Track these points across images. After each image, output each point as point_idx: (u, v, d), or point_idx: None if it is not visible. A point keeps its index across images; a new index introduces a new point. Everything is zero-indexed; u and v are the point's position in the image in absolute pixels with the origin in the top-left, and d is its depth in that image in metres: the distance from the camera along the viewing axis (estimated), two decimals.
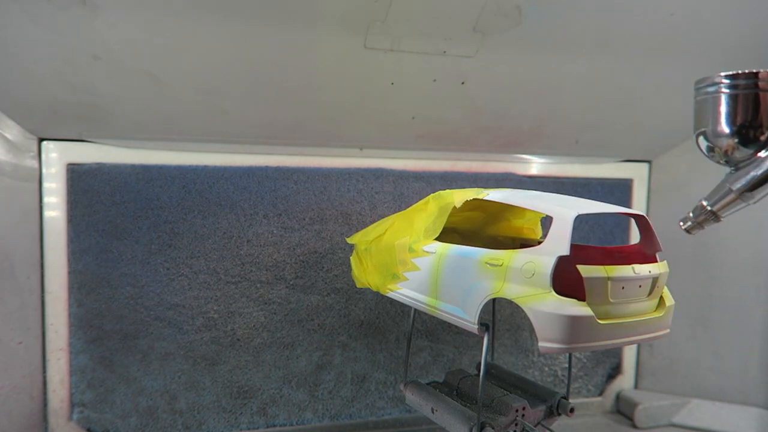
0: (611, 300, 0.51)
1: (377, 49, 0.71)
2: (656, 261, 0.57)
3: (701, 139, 0.32)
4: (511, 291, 0.53)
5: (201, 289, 0.86)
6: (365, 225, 0.92)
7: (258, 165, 0.88)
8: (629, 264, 0.52)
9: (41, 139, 0.80)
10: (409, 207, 0.73)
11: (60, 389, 0.82)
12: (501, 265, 0.54)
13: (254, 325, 0.89)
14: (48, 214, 0.80)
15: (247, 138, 0.85)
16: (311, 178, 0.90)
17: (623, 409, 1.06)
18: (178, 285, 0.85)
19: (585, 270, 0.50)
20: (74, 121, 0.76)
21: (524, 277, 0.52)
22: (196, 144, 0.85)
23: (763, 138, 0.29)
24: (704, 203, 0.33)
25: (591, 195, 1.04)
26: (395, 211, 0.91)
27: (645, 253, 0.60)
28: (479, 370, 0.76)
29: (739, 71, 0.30)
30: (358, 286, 0.77)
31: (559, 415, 0.68)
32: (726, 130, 0.30)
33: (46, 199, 0.80)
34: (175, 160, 0.85)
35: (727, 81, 0.30)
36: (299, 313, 0.90)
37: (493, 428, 0.59)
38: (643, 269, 0.53)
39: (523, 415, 0.63)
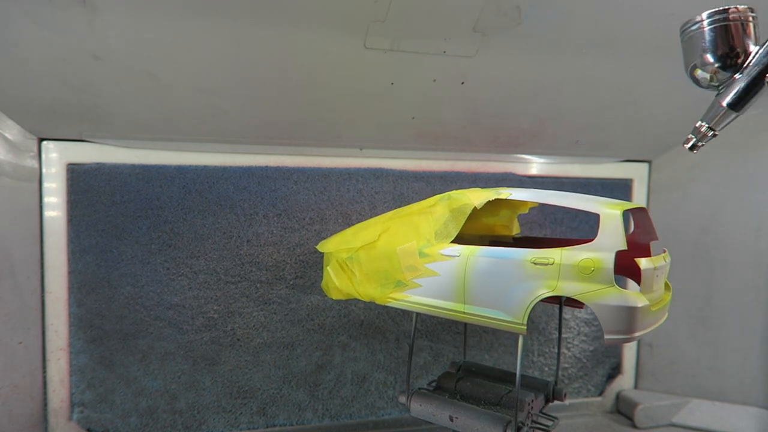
0: (654, 288, 0.56)
1: (377, 49, 0.71)
2: (650, 250, 0.63)
3: (694, 71, 0.40)
4: (569, 288, 0.54)
5: (201, 289, 0.86)
6: None
7: (258, 165, 0.88)
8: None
9: (41, 139, 0.80)
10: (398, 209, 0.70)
11: (60, 389, 0.82)
12: (552, 264, 0.55)
13: (254, 325, 0.89)
14: (48, 214, 0.80)
15: (247, 138, 0.85)
16: (311, 178, 0.90)
17: (623, 409, 1.06)
18: (178, 285, 0.85)
19: (641, 262, 0.54)
20: (74, 121, 0.76)
21: (583, 274, 0.53)
22: (196, 144, 0.85)
23: (739, 61, 0.38)
24: (701, 123, 0.42)
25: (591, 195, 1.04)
26: None
27: (639, 243, 0.64)
28: (458, 370, 0.75)
29: (714, 9, 0.38)
30: (334, 298, 0.72)
31: (553, 401, 0.70)
32: (711, 59, 0.38)
33: (46, 199, 0.80)
34: (175, 160, 0.85)
35: (707, 18, 0.38)
36: (299, 313, 0.90)
37: (525, 426, 0.60)
38: (667, 258, 0.60)
39: (532, 407, 0.65)
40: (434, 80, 0.78)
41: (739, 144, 0.98)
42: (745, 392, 0.99)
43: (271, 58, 0.71)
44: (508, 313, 0.58)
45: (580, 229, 1.03)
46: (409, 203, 0.87)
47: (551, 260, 0.55)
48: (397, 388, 0.96)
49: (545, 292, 0.55)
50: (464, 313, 0.60)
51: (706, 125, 0.42)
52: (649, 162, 1.07)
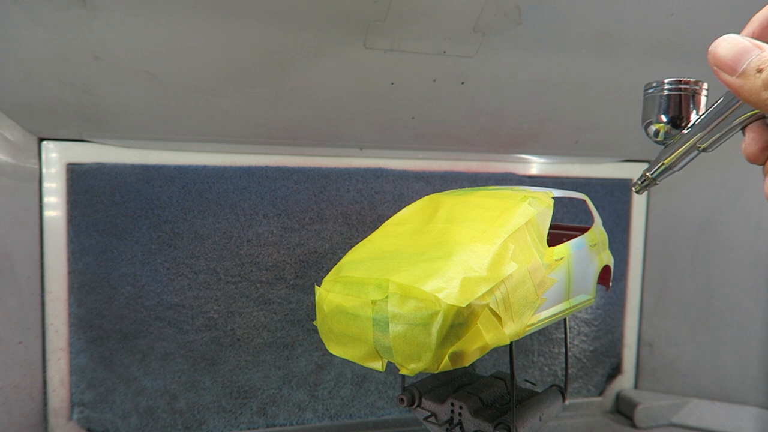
0: None
1: (377, 49, 0.71)
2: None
3: (648, 126, 0.47)
4: (606, 258, 0.73)
5: (201, 289, 0.86)
6: (365, 225, 0.93)
7: (258, 165, 0.88)
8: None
9: (41, 139, 0.80)
10: (452, 213, 0.61)
11: (60, 389, 0.82)
12: (596, 244, 0.70)
13: (254, 325, 0.89)
14: (48, 214, 0.80)
15: (247, 138, 0.85)
16: (311, 178, 0.90)
17: (623, 409, 1.06)
18: (178, 285, 0.85)
19: None
20: (74, 121, 0.76)
21: (604, 246, 0.73)
22: (196, 144, 0.85)
23: (684, 124, 0.45)
24: (646, 172, 0.49)
25: (591, 195, 1.04)
26: (395, 211, 0.91)
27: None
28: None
29: (673, 78, 0.45)
30: (476, 359, 0.50)
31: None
32: (664, 119, 0.46)
33: (46, 199, 0.80)
34: (175, 160, 0.85)
35: (666, 84, 0.45)
36: (299, 313, 0.90)
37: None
38: None
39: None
40: (434, 80, 0.78)
41: (739, 144, 0.98)
42: (745, 392, 0.99)
43: (271, 58, 0.71)
44: (587, 293, 0.67)
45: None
46: (408, 203, 0.86)
47: (595, 241, 0.70)
48: (397, 387, 0.96)
49: (600, 267, 0.69)
50: (569, 308, 0.62)
51: (650, 175, 0.49)
52: (649, 162, 1.07)
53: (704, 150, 0.43)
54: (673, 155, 0.45)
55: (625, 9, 0.71)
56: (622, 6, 0.71)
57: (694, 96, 0.44)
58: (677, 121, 0.45)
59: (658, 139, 0.47)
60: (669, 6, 0.72)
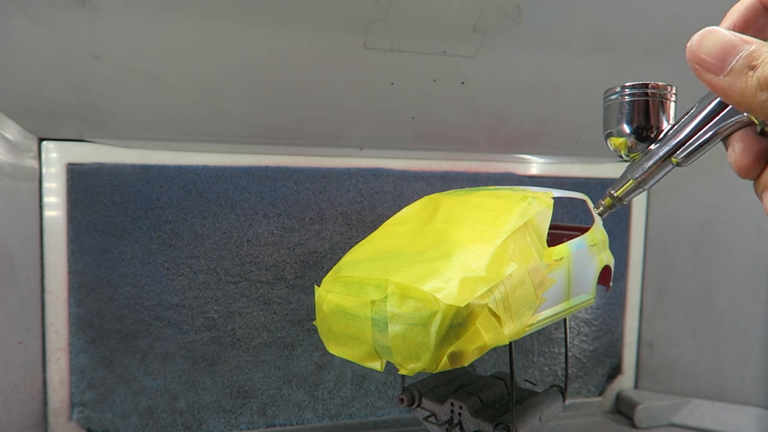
0: None
1: (377, 49, 0.71)
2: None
3: (609, 138, 0.40)
4: (605, 258, 0.72)
5: (201, 289, 0.86)
6: (365, 225, 0.93)
7: (258, 165, 0.88)
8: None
9: (41, 139, 0.80)
10: (447, 213, 0.62)
11: (60, 389, 0.82)
12: (596, 244, 0.70)
13: (254, 325, 0.89)
14: (48, 214, 0.80)
15: (247, 138, 0.85)
16: (311, 178, 0.90)
17: (623, 409, 1.06)
18: (178, 285, 0.85)
19: None
20: (74, 121, 0.76)
21: (605, 246, 0.73)
22: (196, 144, 0.85)
23: (652, 135, 0.38)
24: (611, 191, 0.42)
25: (591, 195, 1.04)
26: (395, 211, 0.91)
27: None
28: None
29: (636, 82, 0.38)
30: (475, 359, 0.50)
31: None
32: (627, 130, 0.38)
33: (46, 199, 0.80)
34: (175, 160, 0.85)
35: (627, 90, 0.38)
36: (299, 313, 0.90)
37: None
38: None
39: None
40: (434, 80, 0.78)
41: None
42: (745, 392, 0.99)
43: (272, 58, 0.71)
44: (587, 293, 0.66)
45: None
46: (408, 203, 0.86)
47: (595, 241, 0.69)
48: (397, 387, 0.96)
49: (600, 267, 0.69)
50: (569, 308, 0.61)
51: (615, 193, 0.42)
52: None
53: (679, 164, 0.37)
54: (644, 172, 0.39)
55: (625, 9, 0.71)
56: (622, 6, 0.71)
57: (663, 102, 0.38)
58: (644, 131, 0.38)
59: (621, 153, 0.40)
60: (669, 6, 0.72)
